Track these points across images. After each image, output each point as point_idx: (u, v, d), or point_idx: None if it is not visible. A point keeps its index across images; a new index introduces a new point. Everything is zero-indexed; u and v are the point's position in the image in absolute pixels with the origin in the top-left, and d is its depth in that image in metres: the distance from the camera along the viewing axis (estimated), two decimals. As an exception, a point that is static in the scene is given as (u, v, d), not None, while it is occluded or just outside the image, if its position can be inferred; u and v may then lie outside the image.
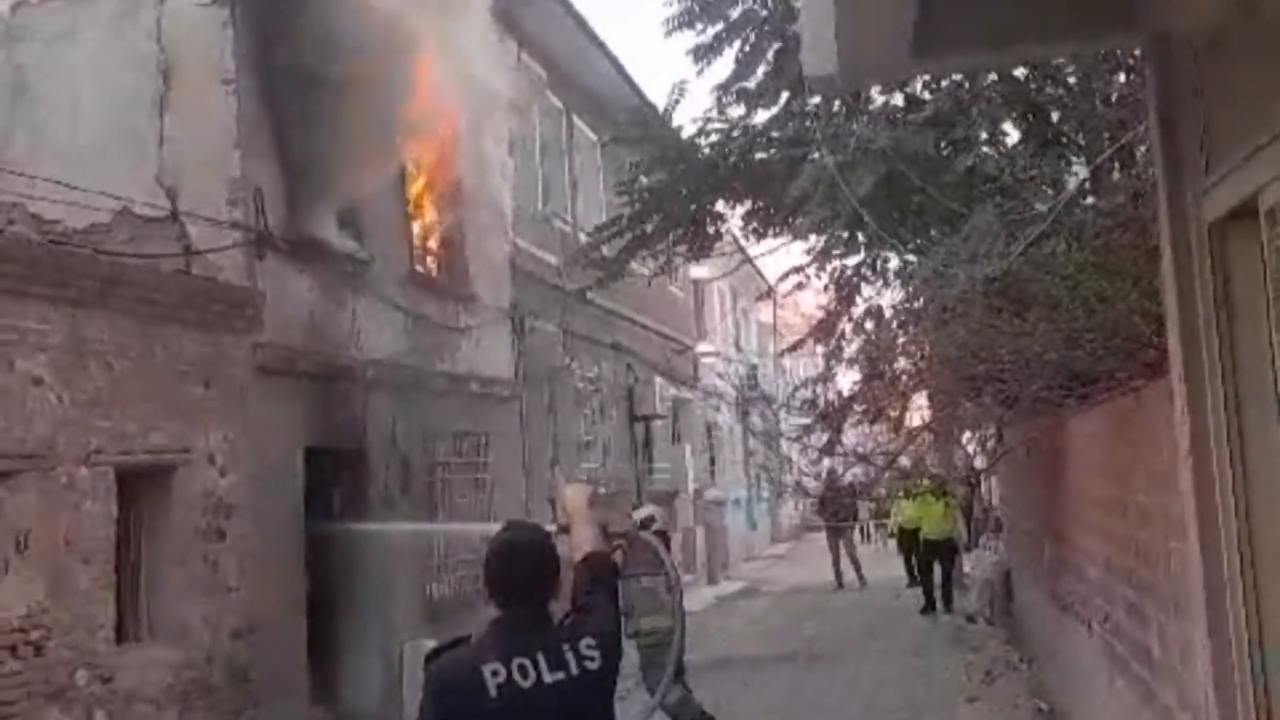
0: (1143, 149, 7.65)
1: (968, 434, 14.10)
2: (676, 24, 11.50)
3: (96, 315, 9.42)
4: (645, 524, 11.59)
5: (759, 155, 11.75)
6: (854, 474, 18.50)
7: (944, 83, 10.62)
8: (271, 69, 11.79)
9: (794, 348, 14.25)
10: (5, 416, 8.45)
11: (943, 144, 10.25)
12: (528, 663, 3.95)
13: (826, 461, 14.63)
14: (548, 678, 3.95)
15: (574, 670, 3.98)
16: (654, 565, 11.07)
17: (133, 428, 9.72)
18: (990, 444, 14.28)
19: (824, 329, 12.48)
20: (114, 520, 9.45)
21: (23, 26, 11.76)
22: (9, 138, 11.36)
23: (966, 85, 10.43)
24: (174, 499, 10.29)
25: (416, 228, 15.30)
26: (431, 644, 5.41)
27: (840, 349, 12.42)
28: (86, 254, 10.05)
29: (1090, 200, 8.93)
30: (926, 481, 20.05)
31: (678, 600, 11.11)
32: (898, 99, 11.26)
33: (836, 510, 25.13)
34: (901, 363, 11.71)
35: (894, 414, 12.44)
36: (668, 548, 11.55)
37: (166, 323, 10.26)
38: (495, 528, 4.51)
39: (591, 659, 4.01)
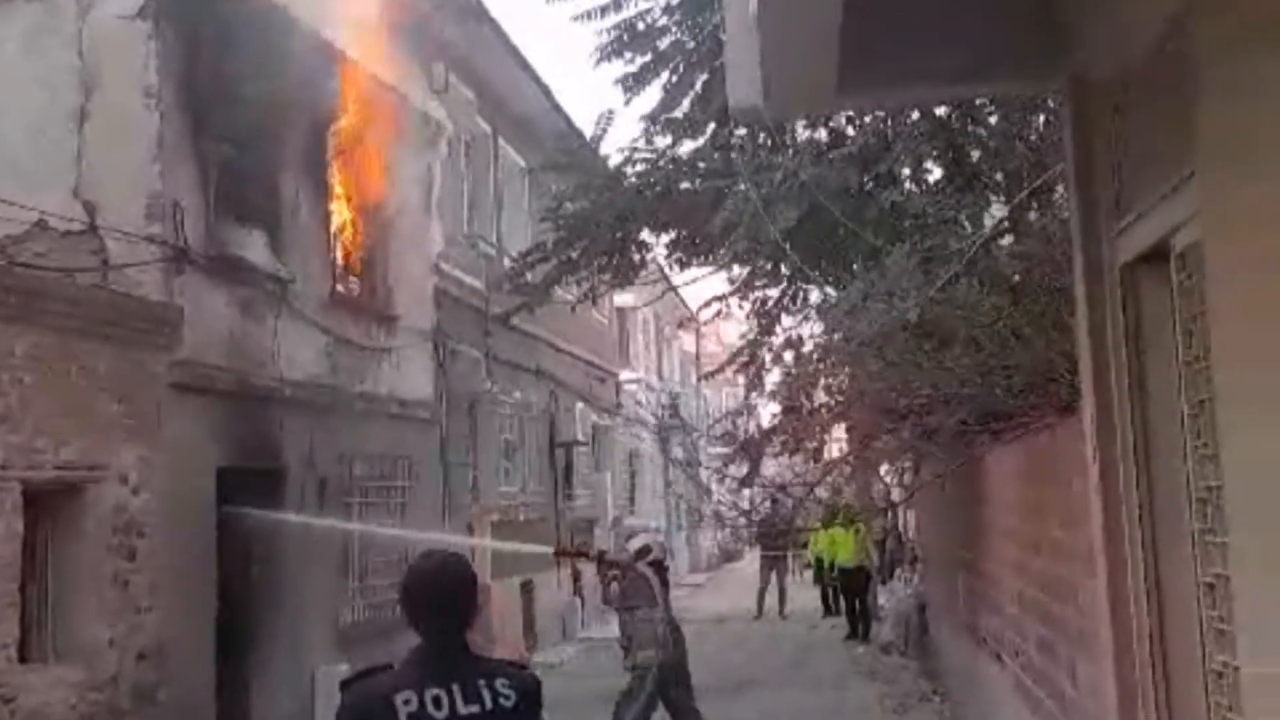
0: (1060, 189, 7.80)
1: (885, 466, 14.22)
2: (606, 53, 11.56)
3: (10, 329, 9.27)
4: (641, 554, 11.65)
5: (684, 185, 11.84)
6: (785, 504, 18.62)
7: (868, 118, 10.76)
8: (194, 84, 11.69)
9: (714, 374, 14.32)
10: (-89, 430, 8.28)
11: (865, 180, 10.38)
12: (442, 694, 3.92)
13: (748, 491, 14.69)
14: (462, 710, 3.93)
15: (489, 705, 3.96)
16: (649, 597, 11.22)
17: (43, 443, 9.55)
18: (908, 477, 14.41)
19: (743, 357, 12.56)
20: (19, 537, 9.27)
21: (-59, 37, 11.57)
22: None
23: (889, 121, 10.57)
24: (84, 516, 10.11)
25: (339, 247, 15.20)
26: (345, 669, 5.37)
27: (760, 378, 12.50)
28: (1, 266, 9.89)
29: (1009, 240, 9.08)
30: (840, 514, 20.18)
31: (666, 633, 11.26)
32: (822, 133, 11.39)
33: (773, 539, 25.26)
34: (821, 395, 11.80)
35: (812, 445, 12.53)
36: (664, 579, 11.62)
37: (82, 337, 10.10)
38: (419, 535, 4.51)
39: (506, 697, 4.00)
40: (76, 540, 10.07)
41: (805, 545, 27.50)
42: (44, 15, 11.45)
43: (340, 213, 15.13)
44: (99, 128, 11.27)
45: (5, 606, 9.07)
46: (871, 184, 10.48)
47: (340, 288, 14.94)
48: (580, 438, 25.04)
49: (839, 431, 13.44)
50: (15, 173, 10.90)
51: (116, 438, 10.40)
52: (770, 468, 14.78)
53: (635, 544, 12.20)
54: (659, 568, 11.67)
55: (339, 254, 15.15)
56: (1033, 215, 8.43)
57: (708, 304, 12.84)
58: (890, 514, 21.18)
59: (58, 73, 11.34)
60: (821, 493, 13.48)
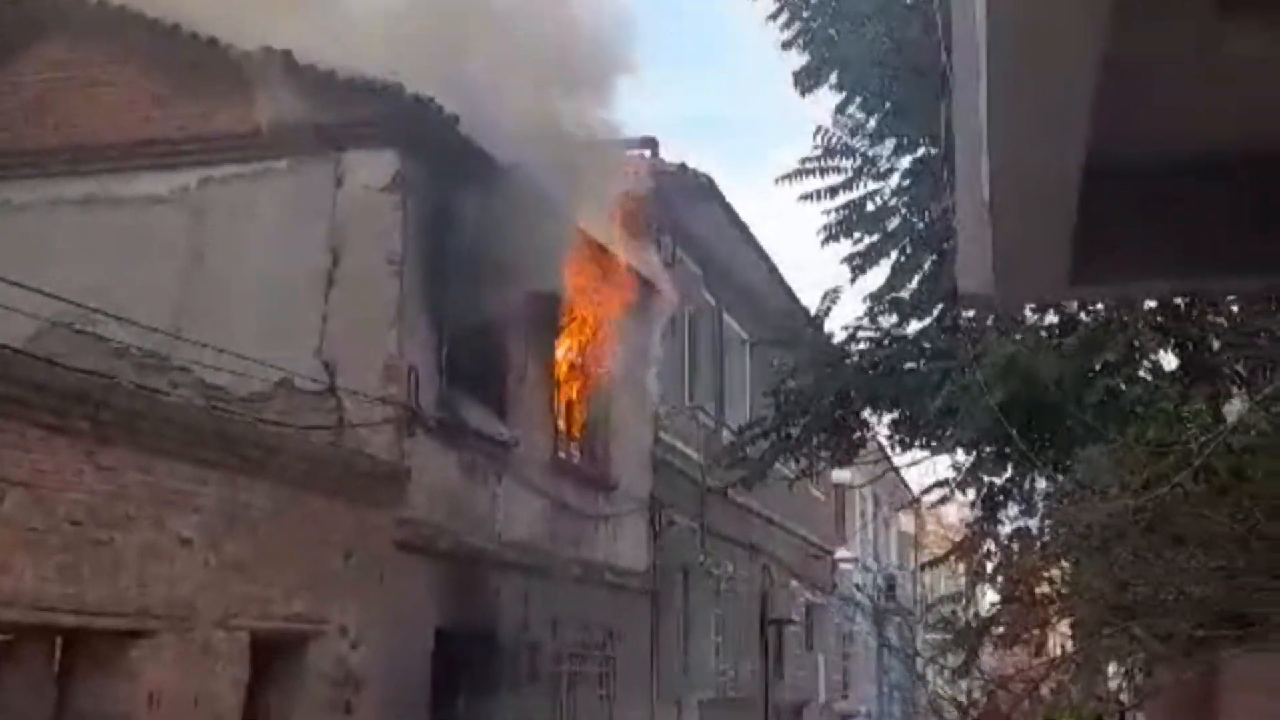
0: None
1: (1114, 666, 13.53)
2: (834, 233, 11.63)
3: (250, 481, 9.67)
4: None
5: (909, 365, 11.71)
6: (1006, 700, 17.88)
7: (1100, 304, 10.51)
8: (435, 253, 12.20)
9: (935, 564, 13.94)
10: (151, 575, 8.64)
11: (1094, 365, 10.10)
12: None
13: (964, 683, 14.14)
14: None
15: None
16: None
17: (272, 594, 9.86)
18: (1139, 677, 13.66)
19: (967, 547, 12.20)
20: (244, 686, 9.52)
21: (207, 199, 12.37)
22: (186, 306, 11.85)
23: (1121, 309, 10.30)
24: (305, 669, 10.36)
25: (562, 413, 15.49)
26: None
27: (984, 569, 12.12)
28: (245, 421, 10.36)
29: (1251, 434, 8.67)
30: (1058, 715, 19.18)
31: None
32: (1051, 317, 11.16)
33: None
34: (1045, 588, 11.36)
35: (1034, 639, 12.02)
36: None
37: (314, 493, 10.47)
38: None
39: None
40: (296, 691, 10.30)
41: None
42: (299, 184, 12.15)
43: (565, 380, 15.47)
44: (343, 292, 11.84)
45: (225, 754, 9.29)
46: (1100, 370, 10.19)
47: (562, 453, 15.19)
48: (793, 616, 24.61)
49: (1063, 626, 12.87)
50: (264, 332, 11.49)
51: (340, 592, 10.67)
52: (990, 660, 14.22)
53: None
54: None
55: (562, 420, 15.45)
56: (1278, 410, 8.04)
57: (930, 490, 12.55)
58: (1118, 717, 20.10)
59: (309, 239, 11.98)
60: (1045, 690, 12.86)
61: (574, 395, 15.83)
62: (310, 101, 11.57)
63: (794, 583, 25.02)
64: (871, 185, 11.70)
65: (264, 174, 12.23)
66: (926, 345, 11.65)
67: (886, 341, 11.91)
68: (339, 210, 12.01)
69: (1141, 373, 10.55)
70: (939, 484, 12.16)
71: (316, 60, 11.65)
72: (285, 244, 12.04)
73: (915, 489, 20.55)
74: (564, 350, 15.32)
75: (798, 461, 14.00)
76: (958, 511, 14.41)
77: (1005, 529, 11.83)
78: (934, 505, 13.30)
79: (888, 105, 11.36)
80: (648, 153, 17.60)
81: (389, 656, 11.09)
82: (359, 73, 11.73)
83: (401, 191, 11.93)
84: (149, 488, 8.66)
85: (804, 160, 11.72)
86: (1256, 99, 3.50)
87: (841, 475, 26.44)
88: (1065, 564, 11.05)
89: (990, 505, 11.82)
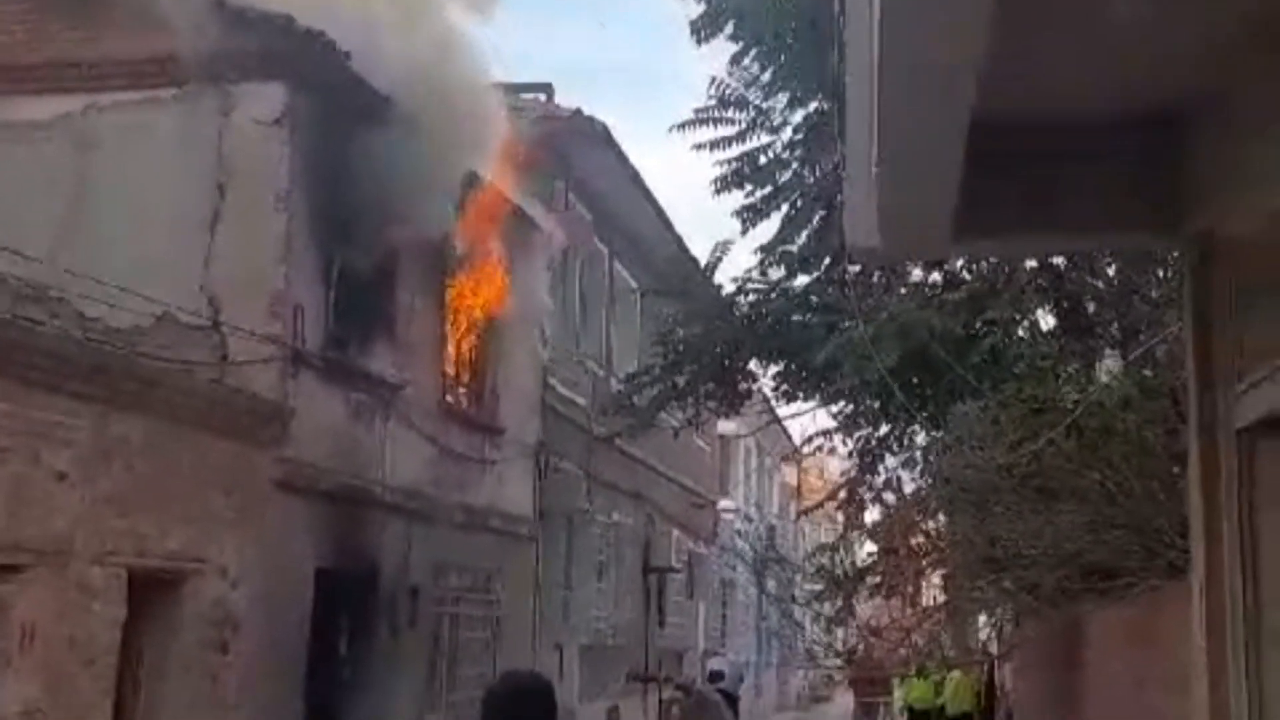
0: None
1: (984, 616, 13.90)
2: (726, 184, 11.69)
3: (127, 415, 9.48)
4: (714, 677, 11.27)
5: (795, 318, 11.86)
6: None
7: (983, 263, 10.72)
8: (323, 191, 12.02)
9: (811, 510, 14.22)
10: (24, 509, 8.46)
11: (977, 324, 10.31)
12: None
13: (841, 632, 14.43)
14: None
15: None
16: None
17: (149, 531, 9.70)
18: (1008, 628, 14.07)
19: (844, 495, 12.45)
20: (120, 624, 9.38)
21: (92, 129, 12.03)
22: (68, 236, 11.53)
23: (1004, 267, 10.52)
24: (183, 607, 10.23)
25: (450, 357, 15.40)
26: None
27: (860, 516, 12.37)
28: (122, 354, 10.15)
29: (1123, 393, 8.91)
30: (931, 664, 19.72)
31: None
32: (936, 275, 11.36)
33: (870, 684, 24.83)
34: (920, 539, 11.61)
35: (908, 589, 12.30)
36: (735, 711, 10.95)
37: (195, 429, 10.31)
38: None
39: None
40: (173, 630, 10.17)
41: (890, 690, 26.85)
42: (186, 115, 11.86)
43: (453, 323, 15.37)
44: (229, 227, 11.61)
45: (102, 692, 9.15)
46: (981, 328, 10.41)
47: (449, 397, 15.12)
48: (674, 564, 24.83)
49: (937, 578, 13.18)
50: (147, 265, 11.22)
51: (219, 530, 10.55)
52: (867, 610, 14.53)
53: (712, 664, 11.92)
54: (730, 699, 11.21)
55: (450, 364, 15.36)
56: (1148, 372, 8.29)
57: (810, 439, 12.77)
58: (986, 666, 20.69)
59: (196, 171, 11.72)
60: (918, 639, 13.18)
61: (462, 339, 15.74)
62: (198, 30, 11.28)
63: (676, 531, 25.24)
64: (764, 138, 11.79)
65: (150, 103, 11.91)
66: (814, 299, 11.81)
67: (775, 294, 12.05)
68: (226, 143, 11.76)
69: (1021, 332, 10.79)
70: (819, 434, 12.39)
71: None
72: (171, 176, 11.75)
73: (798, 441, 20.84)
74: (453, 293, 15.21)
75: (684, 410, 14.13)
76: (839, 464, 14.65)
77: (882, 479, 12.08)
78: (813, 453, 13.52)
79: (782, 59, 11.42)
80: (543, 96, 17.49)
81: (268, 597, 11.00)
82: (249, 3, 11.47)
83: (290, 126, 11.72)
84: (21, 419, 8.45)
85: (698, 110, 11.77)
86: (1136, 62, 3.59)
87: (726, 426, 26.69)
88: (941, 517, 11.33)
89: (869, 457, 12.06)
